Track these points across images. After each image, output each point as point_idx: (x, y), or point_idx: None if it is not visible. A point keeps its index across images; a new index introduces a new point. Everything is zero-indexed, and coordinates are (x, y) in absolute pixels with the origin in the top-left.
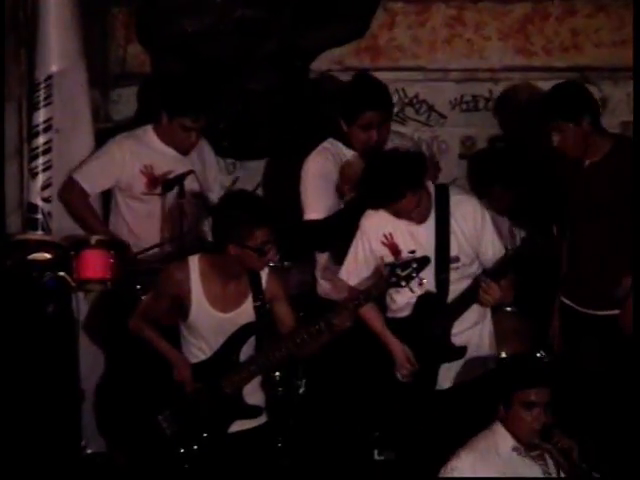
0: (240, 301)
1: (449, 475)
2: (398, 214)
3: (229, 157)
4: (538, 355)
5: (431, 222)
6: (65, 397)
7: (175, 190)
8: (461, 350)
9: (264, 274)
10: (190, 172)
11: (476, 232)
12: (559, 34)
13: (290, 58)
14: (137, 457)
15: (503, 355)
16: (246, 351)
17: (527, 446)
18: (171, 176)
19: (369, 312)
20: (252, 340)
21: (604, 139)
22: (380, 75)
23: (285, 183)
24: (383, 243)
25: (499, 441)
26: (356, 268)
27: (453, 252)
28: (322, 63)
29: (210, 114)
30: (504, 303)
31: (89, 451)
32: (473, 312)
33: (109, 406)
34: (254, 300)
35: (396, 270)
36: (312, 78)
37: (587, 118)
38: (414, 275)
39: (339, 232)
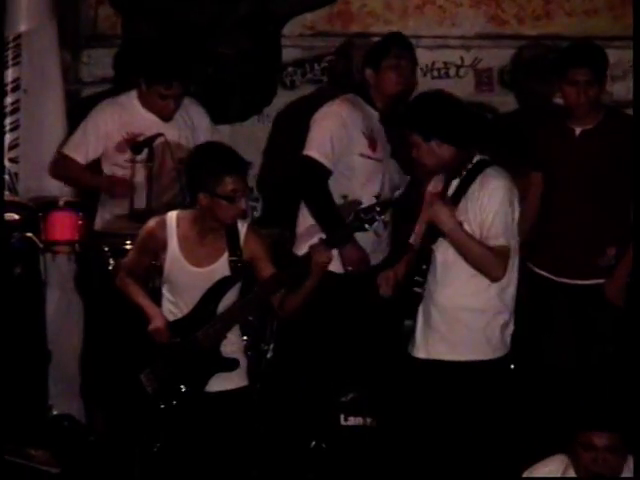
0: (216, 257)
1: None
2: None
3: None
4: None
5: (453, 185)
6: (31, 358)
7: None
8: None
9: (242, 232)
10: (159, 135)
11: (481, 208)
12: (531, 2)
13: (262, 23)
14: (118, 418)
15: None
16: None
17: None
18: (140, 138)
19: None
20: (231, 297)
21: (597, 108)
22: None
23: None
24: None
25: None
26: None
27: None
28: (294, 28)
29: (186, 80)
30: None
31: (55, 412)
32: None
33: (88, 369)
34: (230, 255)
35: (360, 214)
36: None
37: (603, 82)
38: (377, 218)
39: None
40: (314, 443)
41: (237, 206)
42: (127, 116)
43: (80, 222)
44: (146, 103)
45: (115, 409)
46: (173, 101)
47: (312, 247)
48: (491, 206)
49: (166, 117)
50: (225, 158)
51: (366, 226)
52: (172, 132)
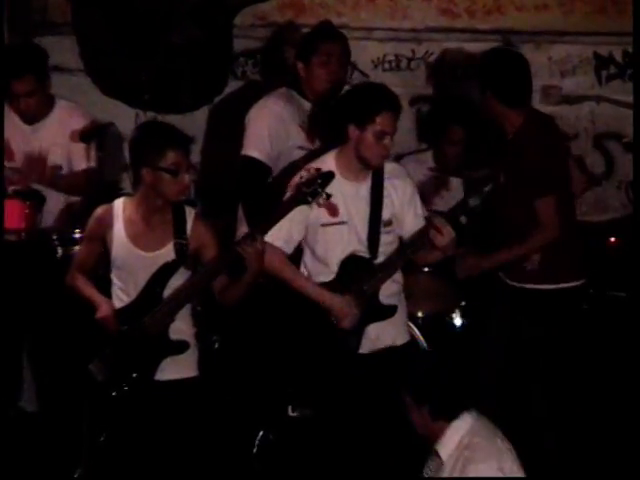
0: (163, 242)
1: None
2: (375, 142)
3: (150, 110)
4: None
5: (367, 184)
6: None
7: None
8: (392, 308)
9: (190, 219)
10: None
11: (403, 201)
12: None
13: (213, 13)
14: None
15: (419, 315)
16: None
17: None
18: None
19: (282, 266)
20: (178, 282)
21: (518, 115)
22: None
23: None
24: (320, 204)
25: None
26: (288, 229)
27: (385, 216)
28: (245, 18)
29: (41, 78)
30: (446, 252)
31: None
32: (397, 278)
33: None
34: (175, 238)
35: (302, 188)
36: None
37: (489, 91)
38: (319, 190)
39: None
40: (261, 434)
41: (180, 180)
42: (6, 121)
43: (27, 211)
44: (12, 104)
45: (63, 398)
46: (29, 100)
47: (238, 241)
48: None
49: (26, 118)
50: (167, 133)
51: (309, 199)
52: (31, 138)
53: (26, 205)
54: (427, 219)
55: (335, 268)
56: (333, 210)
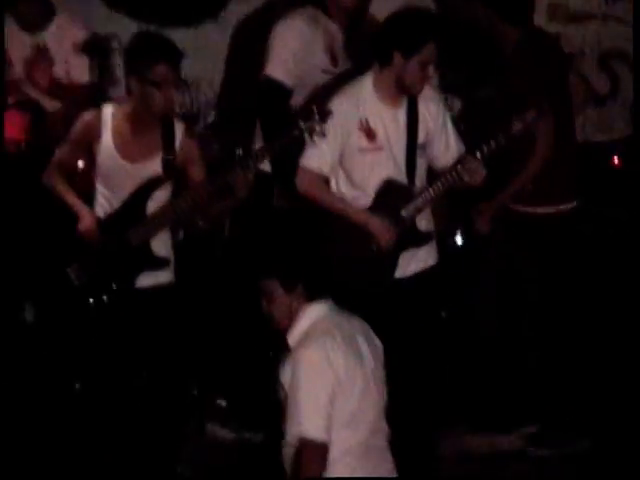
0: (150, 154)
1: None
2: (419, 71)
3: (153, 23)
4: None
5: (403, 109)
6: None
7: None
8: (429, 235)
9: (179, 133)
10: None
11: (436, 125)
12: None
13: None
14: (45, 309)
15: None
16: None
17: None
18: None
19: (320, 190)
20: (163, 196)
21: (514, 32)
22: None
23: None
24: (359, 129)
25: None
26: (325, 152)
27: (420, 139)
28: None
29: None
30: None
31: None
32: None
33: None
34: (164, 154)
35: (299, 123)
36: None
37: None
38: (317, 127)
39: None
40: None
41: (165, 94)
42: None
43: (27, 122)
44: (11, 11)
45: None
46: (30, 4)
47: (230, 167)
48: (447, 122)
49: (25, 25)
50: (159, 45)
51: (305, 135)
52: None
53: (26, 116)
54: (460, 160)
55: (372, 193)
56: (371, 135)
